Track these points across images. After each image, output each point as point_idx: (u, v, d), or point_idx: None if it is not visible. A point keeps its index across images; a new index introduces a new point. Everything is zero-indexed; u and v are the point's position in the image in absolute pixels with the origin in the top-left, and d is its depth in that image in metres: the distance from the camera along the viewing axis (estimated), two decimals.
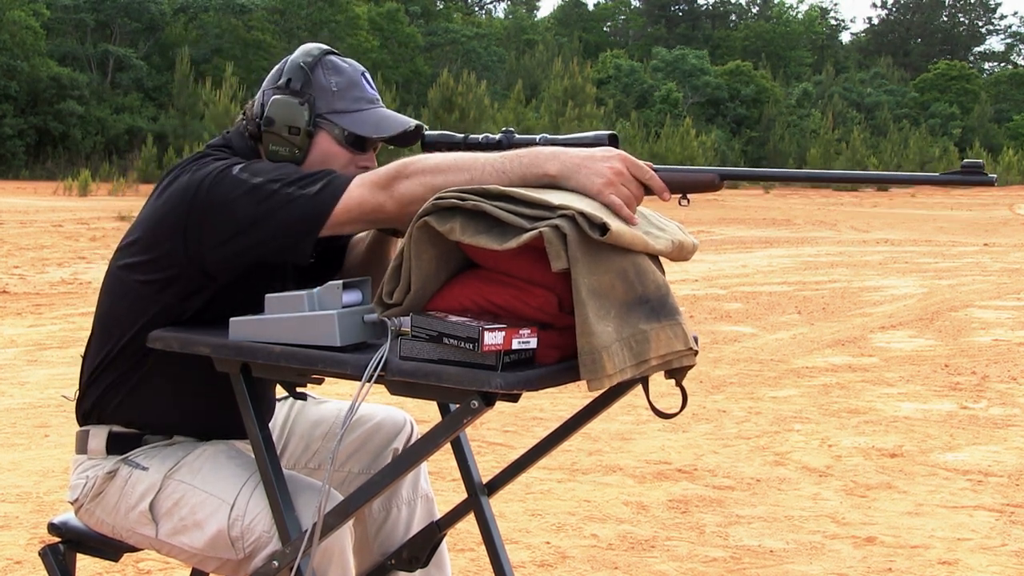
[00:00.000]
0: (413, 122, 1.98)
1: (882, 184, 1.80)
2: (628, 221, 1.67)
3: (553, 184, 1.69)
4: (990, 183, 1.66)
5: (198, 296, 1.88)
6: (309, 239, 1.78)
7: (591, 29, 65.99)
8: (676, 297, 1.72)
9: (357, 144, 1.96)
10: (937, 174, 1.71)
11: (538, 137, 1.86)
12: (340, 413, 2.23)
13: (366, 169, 1.93)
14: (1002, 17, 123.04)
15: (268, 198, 1.78)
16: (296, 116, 1.93)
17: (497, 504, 3.45)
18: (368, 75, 2.02)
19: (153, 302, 1.89)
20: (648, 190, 1.73)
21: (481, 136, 1.92)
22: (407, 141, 2.01)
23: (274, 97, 1.95)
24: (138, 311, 1.90)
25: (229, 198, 1.79)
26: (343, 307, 1.74)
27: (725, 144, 45.01)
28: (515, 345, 1.57)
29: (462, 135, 1.93)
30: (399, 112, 2.06)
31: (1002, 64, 76.12)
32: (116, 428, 1.97)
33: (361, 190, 1.76)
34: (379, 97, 2.02)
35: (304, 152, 1.94)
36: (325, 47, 2.01)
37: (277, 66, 2.01)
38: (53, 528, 2.09)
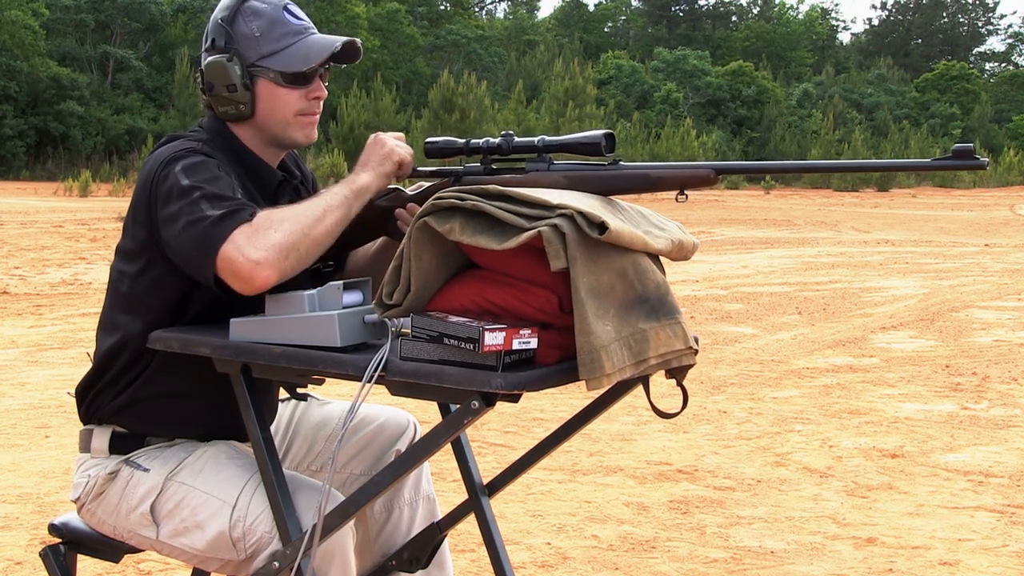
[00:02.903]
0: (340, 40, 1.96)
1: (875, 172, 1.79)
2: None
3: (371, 189, 1.89)
4: (982, 166, 1.65)
5: (177, 286, 1.88)
6: (207, 267, 1.75)
7: (592, 30, 65.95)
8: (676, 297, 1.71)
9: (297, 80, 1.95)
10: (928, 160, 1.70)
11: (537, 139, 1.86)
12: (343, 414, 2.22)
13: (318, 100, 1.97)
14: (1002, 17, 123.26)
15: (187, 207, 1.78)
16: (228, 73, 1.92)
17: (498, 505, 3.45)
18: (292, 6, 1.99)
19: (142, 294, 1.90)
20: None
21: (482, 140, 1.92)
22: (347, 58, 1.99)
23: (205, 62, 1.95)
24: (133, 306, 1.91)
25: (165, 191, 1.81)
26: (343, 308, 1.74)
27: (726, 145, 44.97)
28: (515, 345, 1.57)
29: (463, 140, 1.93)
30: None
31: (1002, 64, 76.12)
32: (119, 428, 1.97)
33: (234, 250, 1.73)
34: (308, 25, 1.99)
35: (250, 105, 1.94)
36: None
37: (205, 29, 2.00)
38: (54, 529, 2.09)
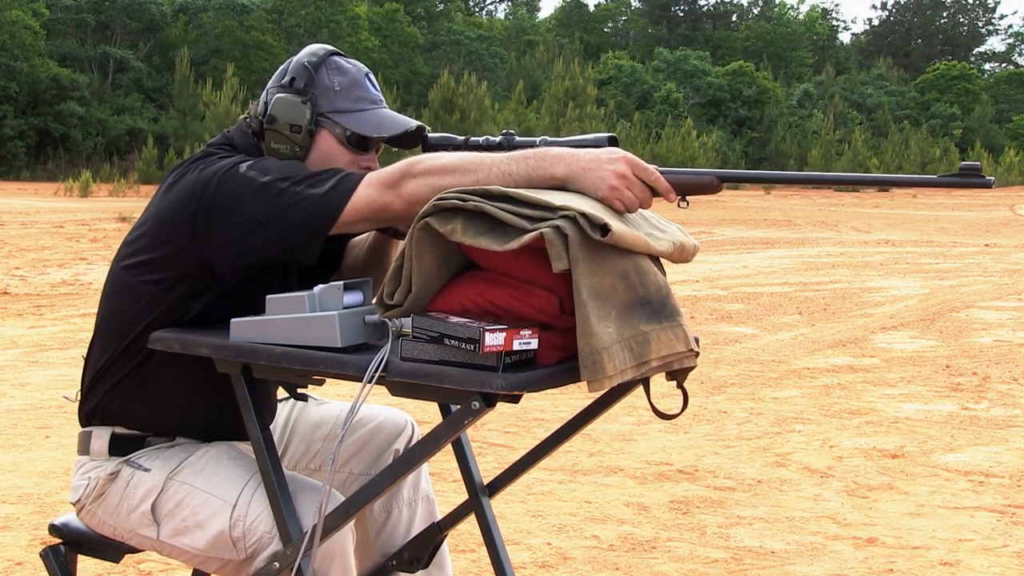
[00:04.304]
0: (415, 123, 1.98)
1: (880, 186, 1.80)
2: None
3: (559, 187, 1.69)
4: (987, 185, 1.66)
5: (203, 296, 1.88)
6: (319, 239, 1.78)
7: (592, 30, 65.98)
8: (677, 298, 1.71)
9: (359, 144, 1.96)
10: (935, 176, 1.70)
11: (538, 139, 1.85)
12: (342, 414, 2.23)
13: (369, 169, 1.92)
14: (1002, 17, 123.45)
15: (277, 196, 1.78)
16: (298, 114, 1.93)
17: (498, 505, 3.45)
18: (372, 77, 2.03)
19: (157, 302, 1.89)
20: (654, 192, 1.73)
21: (482, 138, 1.92)
22: (409, 142, 2.01)
23: (278, 95, 1.95)
24: (142, 311, 1.90)
25: (238, 197, 1.79)
26: (344, 308, 1.73)
27: (726, 145, 45.00)
28: (516, 346, 1.57)
29: (463, 137, 1.93)
30: (400, 112, 2.06)
31: (1003, 64, 76.14)
32: (119, 429, 1.97)
33: (369, 190, 1.76)
34: (382, 98, 2.02)
35: (305, 151, 1.94)
36: (331, 48, 2.01)
37: (283, 65, 2.01)
38: (54, 529, 2.09)
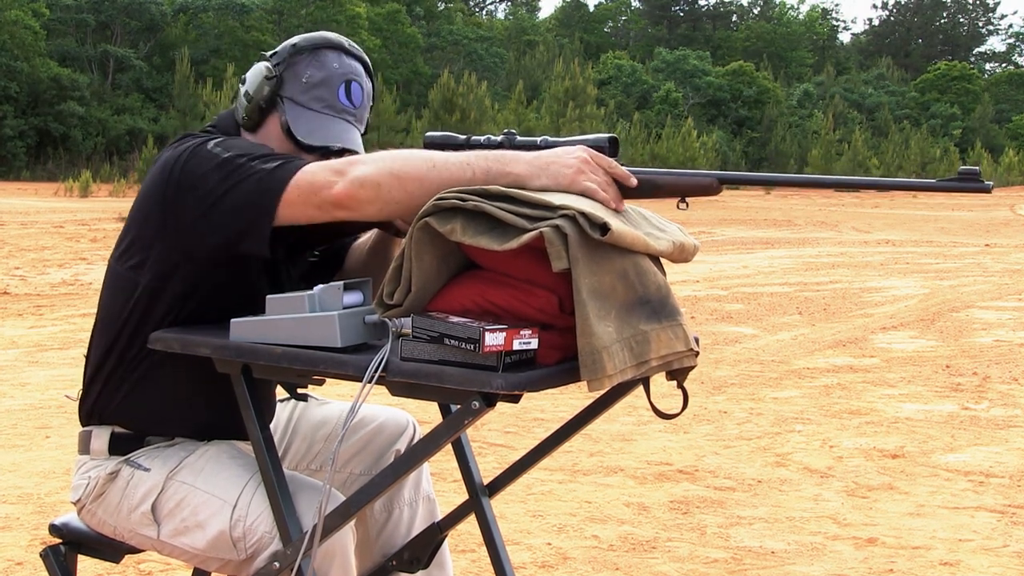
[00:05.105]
0: (338, 145, 1.94)
1: (879, 189, 1.79)
2: (606, 204, 1.66)
3: (519, 184, 1.67)
4: (986, 190, 1.65)
5: (177, 278, 1.87)
6: (265, 218, 1.74)
7: (592, 30, 65.99)
8: (677, 298, 1.71)
9: (295, 142, 1.95)
10: (933, 180, 1.70)
11: (539, 139, 1.85)
12: (343, 414, 2.22)
13: None
14: (1002, 17, 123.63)
15: (235, 171, 1.78)
16: (258, 87, 1.95)
17: (498, 505, 3.45)
18: (360, 87, 1.99)
19: (143, 289, 1.88)
20: (618, 184, 1.73)
21: (483, 137, 1.91)
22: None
23: (257, 62, 1.98)
24: (131, 301, 1.90)
25: (201, 172, 1.80)
26: (344, 308, 1.73)
27: (726, 145, 45.00)
28: (516, 346, 1.57)
29: (464, 136, 1.92)
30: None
31: (1003, 64, 76.16)
32: (118, 428, 1.97)
33: (314, 168, 1.74)
34: (353, 109, 1.98)
35: (252, 123, 1.96)
36: (336, 41, 1.99)
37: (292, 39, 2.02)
38: (54, 529, 2.09)
